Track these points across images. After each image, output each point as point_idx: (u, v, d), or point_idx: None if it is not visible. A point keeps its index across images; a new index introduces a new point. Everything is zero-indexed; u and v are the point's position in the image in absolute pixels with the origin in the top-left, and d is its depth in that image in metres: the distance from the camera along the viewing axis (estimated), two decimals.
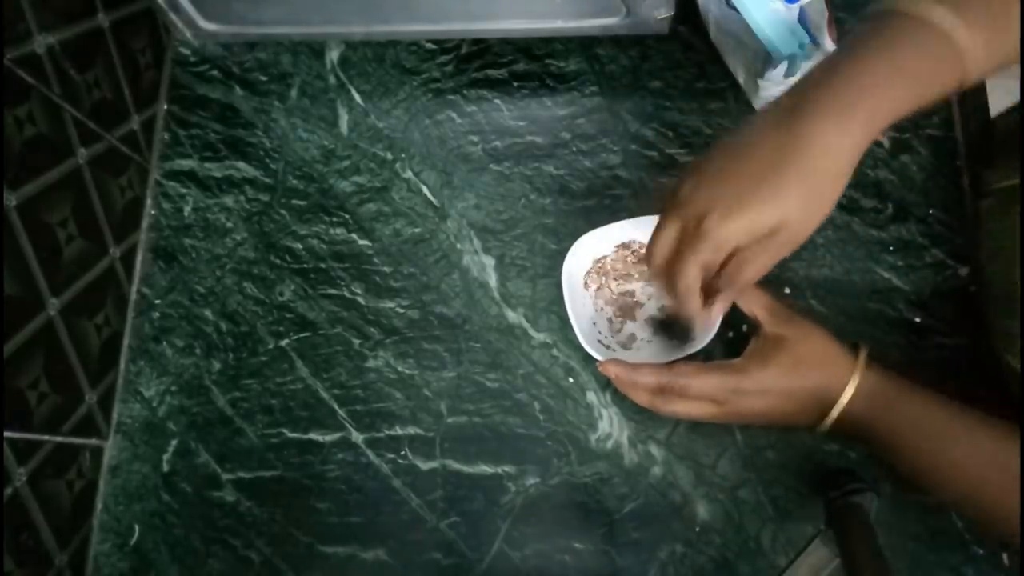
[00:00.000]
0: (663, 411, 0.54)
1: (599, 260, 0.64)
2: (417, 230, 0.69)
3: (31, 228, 0.57)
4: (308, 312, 0.68)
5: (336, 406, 0.66)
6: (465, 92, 0.72)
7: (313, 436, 0.66)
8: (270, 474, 0.65)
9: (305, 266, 0.69)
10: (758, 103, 0.67)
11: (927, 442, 0.49)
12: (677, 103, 0.70)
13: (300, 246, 0.70)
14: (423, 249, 0.69)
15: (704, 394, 0.52)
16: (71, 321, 0.61)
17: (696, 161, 0.47)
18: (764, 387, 0.51)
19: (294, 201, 0.71)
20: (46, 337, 0.59)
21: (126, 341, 0.69)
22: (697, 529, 0.61)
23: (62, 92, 0.60)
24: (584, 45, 0.72)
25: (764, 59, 0.60)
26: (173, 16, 0.69)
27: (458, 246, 0.69)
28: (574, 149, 0.70)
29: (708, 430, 0.62)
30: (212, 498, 0.65)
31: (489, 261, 0.68)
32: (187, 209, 0.72)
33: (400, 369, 0.66)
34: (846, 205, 0.66)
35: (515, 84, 0.72)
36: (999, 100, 0.66)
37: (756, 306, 0.54)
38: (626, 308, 0.63)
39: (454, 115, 0.72)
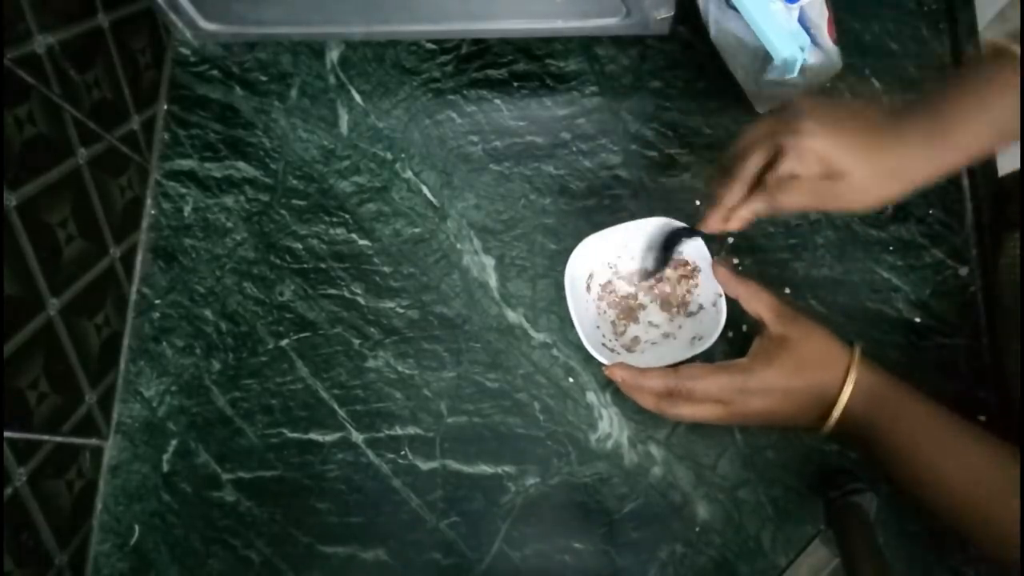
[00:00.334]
0: (669, 414, 0.53)
1: (601, 263, 0.64)
2: (417, 230, 0.69)
3: (31, 228, 0.57)
4: (308, 312, 0.68)
5: (336, 406, 0.66)
6: (465, 92, 0.72)
7: (313, 436, 0.66)
8: (270, 474, 0.65)
9: (305, 266, 0.69)
10: (758, 103, 0.67)
11: (925, 445, 0.48)
12: (677, 103, 0.70)
13: (300, 246, 0.70)
14: (423, 249, 0.69)
15: (710, 395, 0.52)
16: (71, 321, 0.61)
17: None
18: (769, 387, 0.51)
19: (294, 201, 0.71)
20: (46, 337, 0.59)
21: (126, 341, 0.69)
22: (697, 529, 0.61)
23: (62, 92, 0.60)
24: (584, 45, 0.72)
25: (764, 59, 0.60)
26: (173, 16, 0.69)
27: (458, 246, 0.69)
28: (574, 149, 0.70)
29: (708, 430, 0.62)
30: (212, 498, 0.65)
31: (489, 261, 0.68)
32: (187, 209, 0.72)
33: (400, 369, 0.66)
34: None
35: (515, 84, 0.72)
36: None
37: (760, 306, 0.54)
38: (628, 311, 0.63)
39: (454, 115, 0.72)
